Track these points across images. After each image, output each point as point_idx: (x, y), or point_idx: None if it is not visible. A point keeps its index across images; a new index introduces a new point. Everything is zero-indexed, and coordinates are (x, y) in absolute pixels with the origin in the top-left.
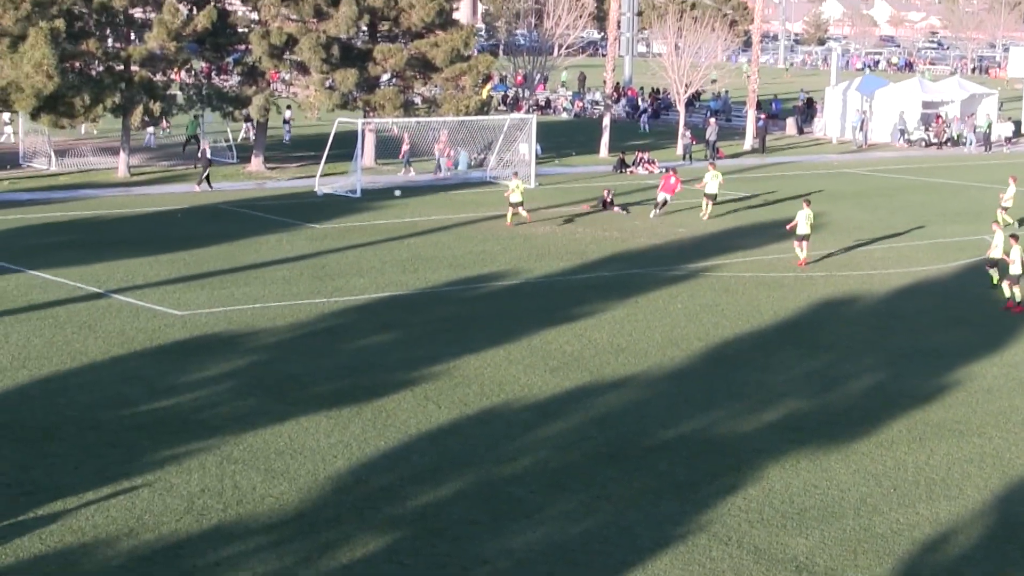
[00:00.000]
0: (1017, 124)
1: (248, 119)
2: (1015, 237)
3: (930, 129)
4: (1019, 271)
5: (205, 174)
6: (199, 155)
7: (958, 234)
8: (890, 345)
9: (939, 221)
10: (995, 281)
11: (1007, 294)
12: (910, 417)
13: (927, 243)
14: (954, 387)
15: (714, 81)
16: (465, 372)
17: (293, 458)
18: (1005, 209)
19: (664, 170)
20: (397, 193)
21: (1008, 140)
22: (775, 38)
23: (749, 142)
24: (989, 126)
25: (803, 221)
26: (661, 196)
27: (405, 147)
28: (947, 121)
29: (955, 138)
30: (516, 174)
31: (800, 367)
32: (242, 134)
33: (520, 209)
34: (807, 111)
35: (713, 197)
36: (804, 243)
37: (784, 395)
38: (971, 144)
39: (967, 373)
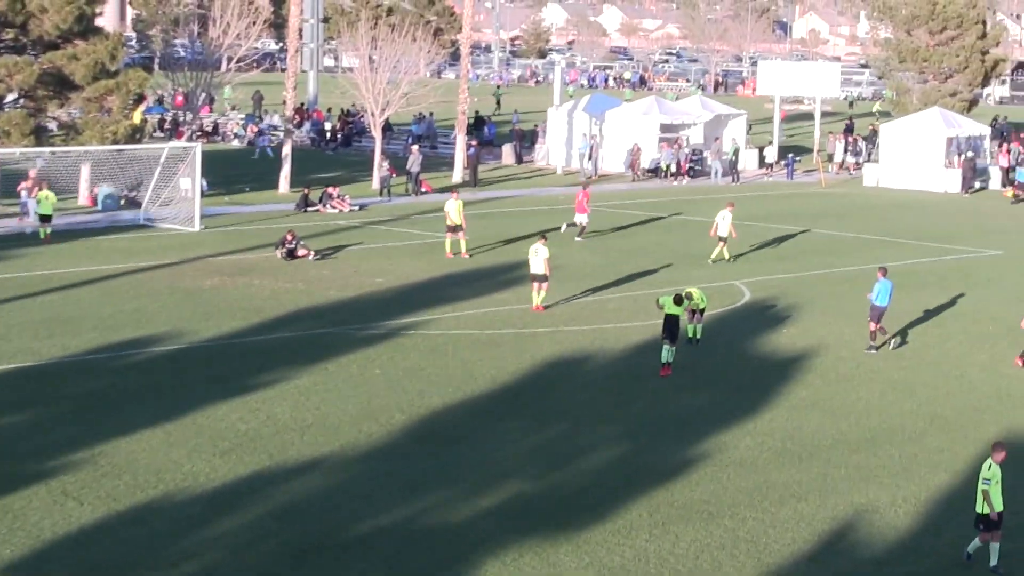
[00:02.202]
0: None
1: None
2: (678, 300)
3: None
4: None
5: None
6: None
7: (704, 279)
8: (629, 412)
9: (682, 264)
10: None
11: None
12: (652, 498)
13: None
14: (702, 460)
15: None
16: (114, 459)
17: None
18: (723, 240)
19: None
20: None
21: (769, 167)
22: (488, 49)
23: (459, 173)
24: (735, 152)
25: (535, 261)
26: (581, 219)
27: None
28: (637, 151)
29: (658, 169)
30: (46, 183)
31: (524, 442)
32: None
33: (47, 225)
34: (478, 131)
35: (457, 228)
36: (541, 285)
37: (505, 476)
38: (717, 174)
39: (717, 443)
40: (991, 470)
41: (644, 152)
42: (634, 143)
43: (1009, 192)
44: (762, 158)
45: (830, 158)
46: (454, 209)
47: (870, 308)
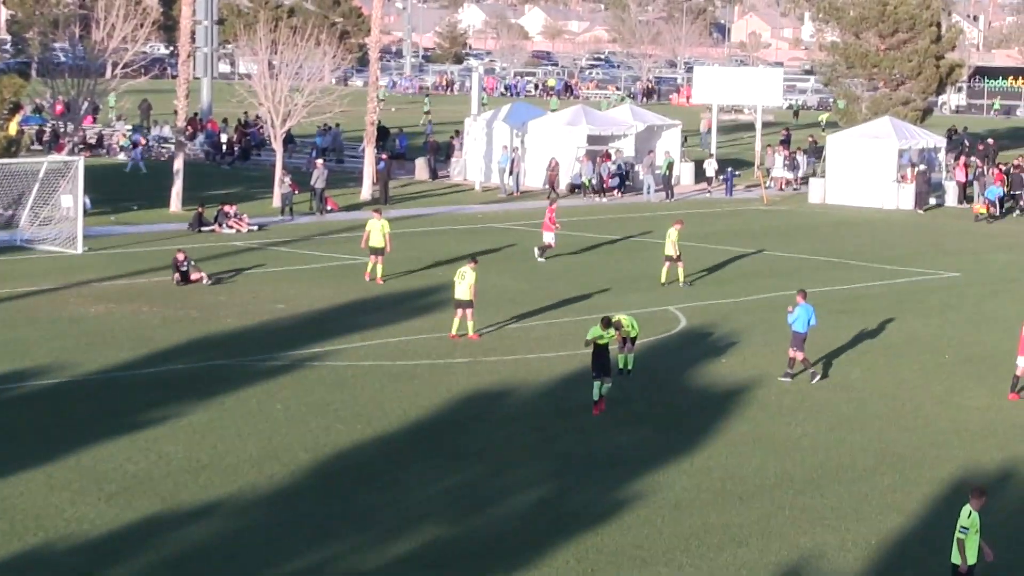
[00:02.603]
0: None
1: None
2: (606, 323)
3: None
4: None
5: None
6: None
7: (637, 304)
8: (555, 451)
9: (615, 289)
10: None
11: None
12: (580, 543)
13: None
14: (634, 502)
15: (427, 112)
16: None
17: None
18: (671, 260)
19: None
20: None
21: (709, 182)
22: (399, 54)
23: (367, 190)
24: (669, 166)
25: (460, 285)
26: (548, 237)
27: None
28: (555, 166)
29: (583, 185)
30: None
31: (440, 483)
32: None
33: None
34: (383, 143)
35: (379, 251)
36: (465, 312)
37: (420, 520)
38: (649, 190)
39: (651, 483)
40: (970, 518)
41: (564, 166)
42: (552, 157)
43: (982, 208)
44: (701, 172)
45: (768, 172)
46: (376, 229)
47: (792, 335)
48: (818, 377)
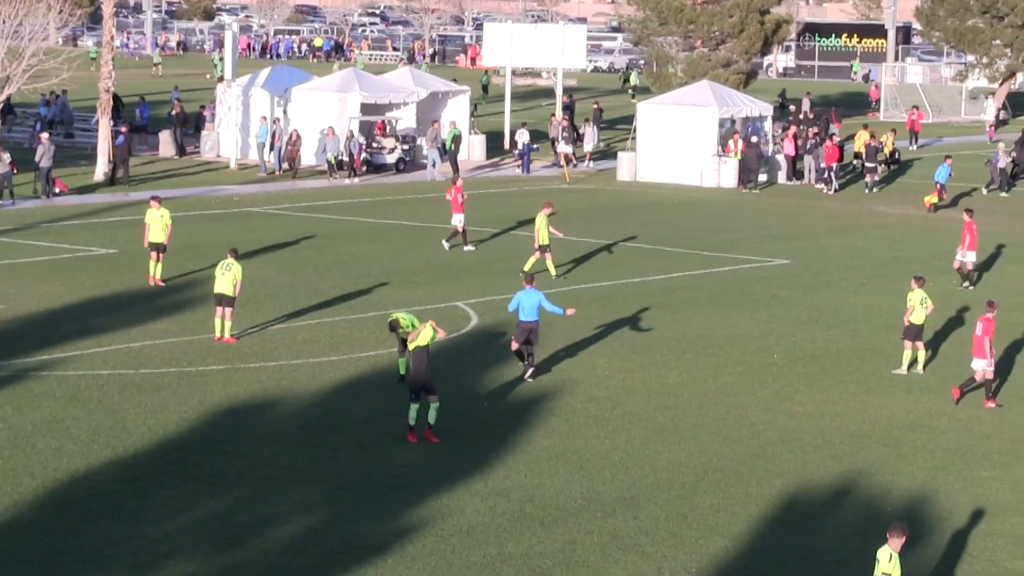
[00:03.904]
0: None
1: None
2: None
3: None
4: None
5: None
6: None
7: (420, 300)
8: (327, 471)
9: (397, 282)
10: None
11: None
12: None
13: (377, 315)
14: (420, 529)
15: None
16: None
17: None
18: (540, 249)
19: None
20: None
21: (520, 159)
22: (138, 9)
23: (102, 169)
24: (454, 139)
25: (222, 279)
26: (457, 220)
27: None
28: (295, 139)
29: (336, 164)
30: None
31: (192, 512)
32: None
33: None
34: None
35: (159, 247)
36: (225, 310)
37: (169, 555)
38: (435, 166)
39: (439, 508)
40: (891, 561)
41: (306, 140)
42: (293, 129)
43: (933, 197)
44: (495, 146)
45: (553, 144)
46: (156, 221)
47: (517, 324)
48: (528, 374)
